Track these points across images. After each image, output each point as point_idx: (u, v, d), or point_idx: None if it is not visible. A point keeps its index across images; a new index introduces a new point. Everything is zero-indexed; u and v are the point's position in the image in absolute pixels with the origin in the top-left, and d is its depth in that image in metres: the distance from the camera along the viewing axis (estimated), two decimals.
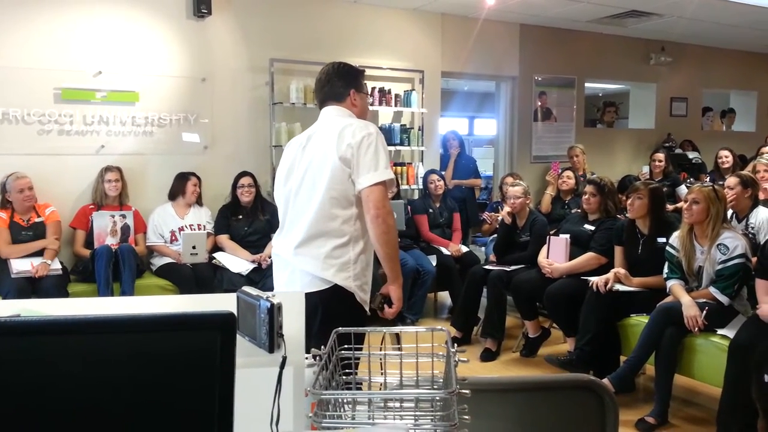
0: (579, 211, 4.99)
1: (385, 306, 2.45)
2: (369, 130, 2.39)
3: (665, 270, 3.84)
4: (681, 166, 7.60)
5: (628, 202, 4.19)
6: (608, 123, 9.00)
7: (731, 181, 4.25)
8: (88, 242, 4.86)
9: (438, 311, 6.12)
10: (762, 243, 3.52)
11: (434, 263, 5.52)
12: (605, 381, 3.53)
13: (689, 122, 8.88)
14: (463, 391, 1.15)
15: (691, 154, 8.02)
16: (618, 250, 4.25)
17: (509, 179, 5.99)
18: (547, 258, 4.61)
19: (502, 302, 4.75)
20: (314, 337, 2.26)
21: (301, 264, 2.42)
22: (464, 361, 1.28)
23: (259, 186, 5.39)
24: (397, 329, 1.43)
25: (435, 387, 1.39)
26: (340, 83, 2.54)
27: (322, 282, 2.39)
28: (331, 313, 2.34)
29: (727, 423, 3.21)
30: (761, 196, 4.47)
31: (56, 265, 4.55)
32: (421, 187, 6.27)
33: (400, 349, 1.41)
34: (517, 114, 7.50)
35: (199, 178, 5.30)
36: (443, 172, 6.38)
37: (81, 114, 5.11)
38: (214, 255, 5.07)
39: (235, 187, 5.32)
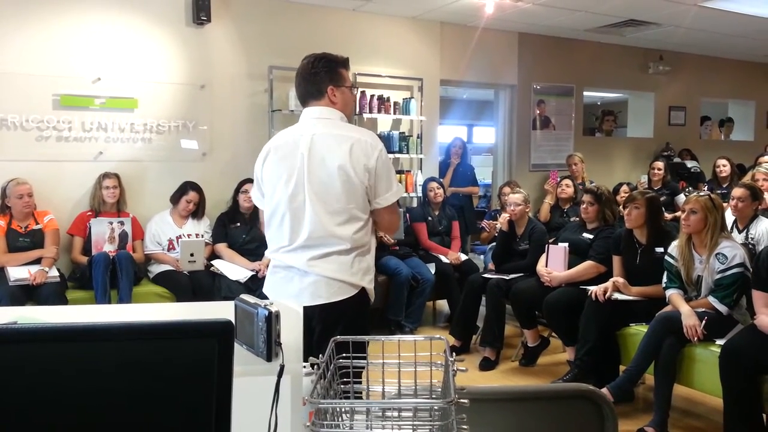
0: (577, 219, 4.99)
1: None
2: (379, 148, 2.42)
3: (664, 279, 3.84)
4: (679, 175, 7.61)
5: (626, 212, 4.19)
6: (607, 131, 9.02)
7: (740, 192, 4.24)
8: (86, 249, 4.85)
9: (436, 319, 6.11)
10: (757, 254, 3.52)
11: (433, 271, 5.51)
12: (604, 390, 3.52)
13: (687, 131, 8.90)
14: (462, 400, 1.14)
15: (689, 163, 8.04)
16: (616, 260, 4.25)
17: (507, 189, 5.99)
18: (546, 266, 4.61)
19: (501, 311, 4.74)
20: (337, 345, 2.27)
21: (327, 271, 2.39)
22: (463, 370, 1.27)
23: None
24: (395, 338, 1.42)
25: (433, 396, 1.38)
26: (317, 79, 2.46)
27: (351, 287, 2.42)
28: (355, 318, 2.41)
29: (735, 428, 3.21)
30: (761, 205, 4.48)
31: (54, 273, 4.53)
32: (419, 195, 6.27)
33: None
34: (516, 122, 7.51)
35: (200, 193, 5.22)
36: (442, 180, 6.38)
37: (80, 120, 5.11)
38: (212, 262, 5.06)
39: (237, 191, 5.31)
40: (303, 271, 2.42)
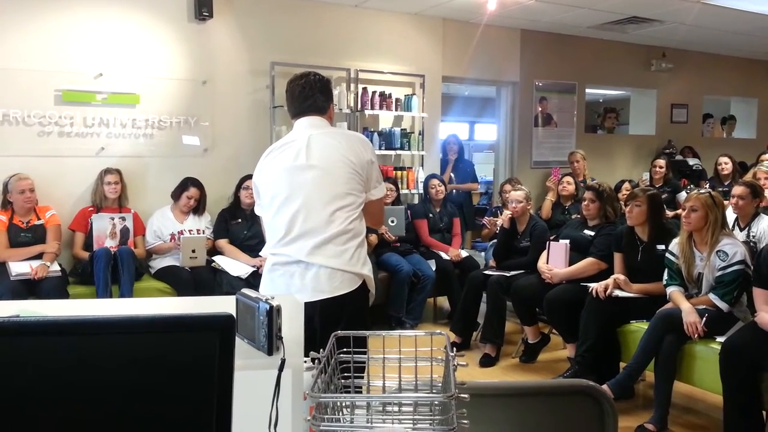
0: (579, 216, 4.99)
1: None
2: (371, 145, 2.70)
3: (665, 277, 3.84)
4: (681, 172, 7.60)
5: (627, 209, 4.19)
6: (609, 129, 9.01)
7: (741, 189, 4.24)
8: (87, 244, 4.85)
9: (437, 316, 6.11)
10: (758, 251, 3.52)
11: (433, 268, 5.51)
12: (605, 387, 3.52)
13: (690, 129, 8.89)
14: (462, 395, 1.14)
15: (691, 161, 8.03)
16: (617, 257, 4.24)
17: (508, 186, 5.98)
18: (547, 263, 4.61)
19: (501, 307, 4.74)
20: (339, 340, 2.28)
21: (330, 261, 2.45)
22: (463, 365, 1.27)
23: None
24: (396, 333, 1.43)
25: (434, 391, 1.38)
26: (323, 98, 2.67)
27: (352, 279, 2.48)
28: (356, 313, 2.47)
29: (735, 425, 3.21)
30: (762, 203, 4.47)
31: (55, 267, 4.54)
32: (421, 191, 6.27)
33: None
34: (518, 119, 7.50)
35: (201, 189, 5.21)
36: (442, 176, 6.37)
37: (81, 116, 5.11)
38: (214, 258, 5.06)
39: (239, 187, 5.31)
40: (305, 263, 2.46)
